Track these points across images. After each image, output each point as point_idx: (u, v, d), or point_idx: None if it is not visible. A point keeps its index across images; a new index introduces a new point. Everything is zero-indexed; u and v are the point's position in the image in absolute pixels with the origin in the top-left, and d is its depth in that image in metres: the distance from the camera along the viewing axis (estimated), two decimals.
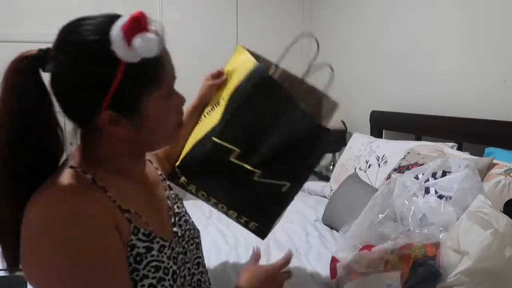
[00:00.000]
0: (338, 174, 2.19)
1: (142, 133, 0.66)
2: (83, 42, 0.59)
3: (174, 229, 0.77)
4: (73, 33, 0.60)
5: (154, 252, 0.65)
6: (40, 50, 0.61)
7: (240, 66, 0.96)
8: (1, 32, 2.52)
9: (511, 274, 0.85)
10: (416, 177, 1.22)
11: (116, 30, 0.57)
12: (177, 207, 0.82)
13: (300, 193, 2.16)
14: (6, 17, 2.53)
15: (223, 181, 0.93)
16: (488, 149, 1.56)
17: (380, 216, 1.08)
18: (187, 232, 0.80)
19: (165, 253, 0.67)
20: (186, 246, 0.78)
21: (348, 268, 1.05)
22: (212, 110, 0.96)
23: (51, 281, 0.56)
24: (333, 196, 1.86)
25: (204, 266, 0.85)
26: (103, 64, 0.58)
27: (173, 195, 0.84)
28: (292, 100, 0.92)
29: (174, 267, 0.68)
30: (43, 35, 2.57)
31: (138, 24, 0.58)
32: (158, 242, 0.66)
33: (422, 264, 0.90)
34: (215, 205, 1.00)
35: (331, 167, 2.74)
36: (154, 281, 0.63)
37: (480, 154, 1.56)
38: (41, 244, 0.55)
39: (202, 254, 0.86)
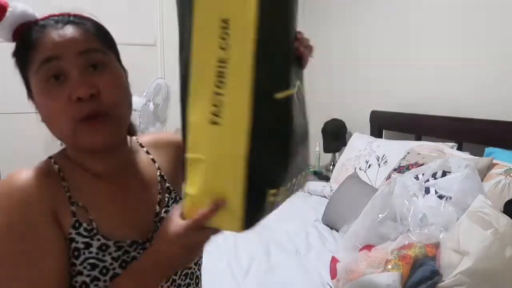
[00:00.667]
0: (338, 174, 2.19)
1: (44, 121, 0.65)
2: None
3: (150, 234, 0.72)
4: None
5: (93, 249, 0.63)
6: None
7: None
8: None
9: (511, 274, 0.85)
10: (416, 177, 1.22)
11: None
12: (166, 211, 0.75)
13: (300, 193, 2.16)
14: None
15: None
16: (488, 149, 1.56)
17: (380, 216, 1.08)
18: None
19: (109, 253, 0.64)
20: None
21: (348, 268, 1.05)
22: None
23: None
24: (333, 196, 1.86)
25: (195, 278, 0.79)
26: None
27: (166, 199, 0.76)
28: None
29: (118, 270, 0.65)
30: None
31: None
32: (99, 240, 0.64)
33: (422, 264, 0.90)
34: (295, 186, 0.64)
35: (331, 167, 2.74)
36: (87, 279, 0.62)
37: (480, 154, 1.56)
38: None
39: (195, 266, 0.79)
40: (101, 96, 0.61)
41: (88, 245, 0.63)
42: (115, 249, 0.65)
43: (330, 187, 2.17)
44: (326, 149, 2.77)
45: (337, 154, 2.78)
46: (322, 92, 3.19)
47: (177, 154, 0.82)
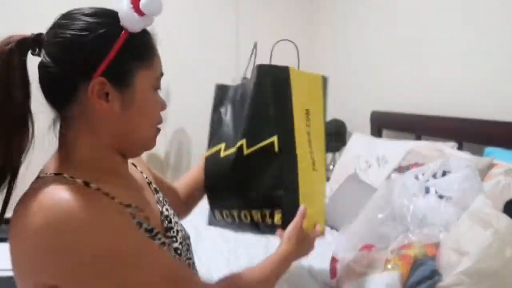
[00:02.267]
0: (338, 174, 2.19)
1: (128, 118, 0.64)
2: (86, 14, 0.62)
3: (167, 233, 0.75)
4: (78, 8, 0.65)
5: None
6: (32, 34, 0.63)
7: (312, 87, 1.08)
8: (1, 32, 2.52)
9: (511, 275, 0.85)
10: (416, 177, 1.22)
11: (124, 0, 0.63)
12: (166, 209, 0.80)
13: None
14: (6, 17, 2.53)
15: (230, 183, 0.97)
16: (488, 149, 1.56)
17: (380, 216, 1.08)
18: (180, 233, 0.79)
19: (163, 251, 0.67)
20: (179, 247, 0.76)
21: (348, 268, 1.05)
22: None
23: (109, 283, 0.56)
24: (333, 196, 1.86)
25: (195, 267, 0.84)
26: (107, 29, 0.61)
27: (160, 198, 0.82)
28: None
29: (176, 244, 0.69)
30: None
31: None
32: (160, 239, 0.66)
33: (422, 264, 0.90)
34: (240, 222, 1.00)
35: (331, 167, 2.74)
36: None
37: (480, 154, 1.56)
38: (72, 256, 0.53)
39: (193, 256, 0.84)
40: None
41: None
42: (166, 246, 0.69)
43: (330, 187, 2.16)
44: (326, 149, 2.76)
45: (337, 154, 2.78)
46: None
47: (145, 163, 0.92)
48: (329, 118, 2.77)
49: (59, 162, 0.64)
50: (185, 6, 2.91)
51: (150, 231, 0.65)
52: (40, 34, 0.62)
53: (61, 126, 0.65)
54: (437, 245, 0.94)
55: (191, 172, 1.11)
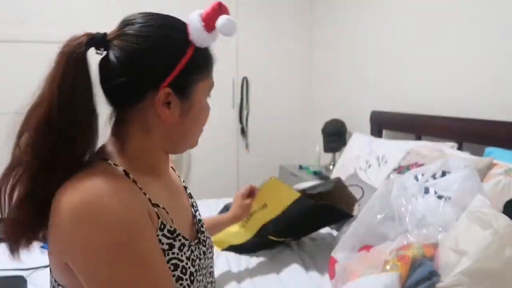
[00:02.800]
0: (338, 174, 2.18)
1: (183, 123, 0.67)
2: (158, 25, 0.65)
3: (199, 235, 0.77)
4: (146, 15, 0.66)
5: (175, 250, 0.65)
6: (98, 33, 0.65)
7: (283, 196, 1.41)
8: (1, 32, 2.52)
9: (511, 275, 0.85)
10: (416, 178, 1.22)
11: (194, 16, 0.66)
12: (198, 214, 0.84)
13: None
14: (7, 17, 2.53)
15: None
16: (488, 149, 1.55)
17: (379, 216, 1.08)
18: (208, 240, 0.80)
19: (185, 253, 0.67)
20: (206, 252, 0.77)
21: (347, 269, 1.05)
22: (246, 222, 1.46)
23: (102, 267, 0.55)
24: None
25: (213, 276, 0.85)
26: (176, 42, 0.65)
27: (194, 203, 0.85)
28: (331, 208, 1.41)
29: (192, 269, 0.67)
30: (44, 35, 2.60)
31: (219, 9, 0.67)
32: (180, 240, 0.66)
33: (420, 265, 0.90)
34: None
35: (331, 167, 2.74)
36: (173, 279, 0.63)
37: (480, 154, 1.56)
38: (84, 226, 0.54)
39: (213, 264, 0.86)
40: None
41: (171, 246, 0.65)
42: (187, 248, 0.68)
43: None
44: (326, 149, 2.77)
45: (337, 154, 2.78)
46: (322, 92, 3.20)
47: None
48: (329, 118, 2.78)
49: (107, 150, 0.67)
50: (185, 6, 2.91)
51: (172, 232, 0.65)
52: (106, 34, 0.64)
53: (115, 121, 0.68)
54: (435, 246, 0.94)
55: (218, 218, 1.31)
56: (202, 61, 0.68)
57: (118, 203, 0.56)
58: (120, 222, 0.55)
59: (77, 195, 0.56)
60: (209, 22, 0.65)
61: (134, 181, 0.63)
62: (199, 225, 0.80)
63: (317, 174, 2.73)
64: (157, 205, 0.65)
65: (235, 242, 1.45)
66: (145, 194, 0.63)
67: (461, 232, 0.91)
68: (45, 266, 1.29)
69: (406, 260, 0.91)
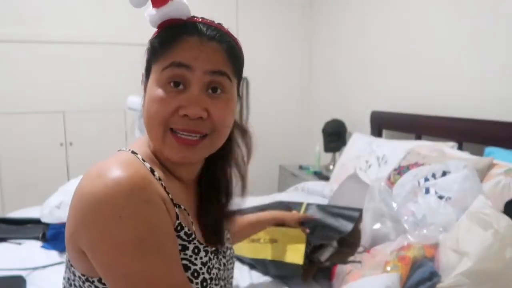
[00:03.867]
0: (338, 174, 2.18)
1: (144, 111, 0.64)
2: None
3: (220, 246, 0.75)
4: None
5: (188, 252, 0.63)
6: None
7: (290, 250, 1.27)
8: (1, 32, 2.52)
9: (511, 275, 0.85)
10: (416, 178, 1.22)
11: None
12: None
13: (300, 193, 2.15)
14: (6, 17, 2.53)
15: None
16: (488, 149, 1.55)
17: (379, 216, 1.08)
18: (229, 251, 0.78)
19: (200, 257, 0.65)
20: (226, 264, 0.75)
21: (347, 269, 1.05)
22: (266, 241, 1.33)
23: (114, 251, 0.53)
24: (333, 196, 1.86)
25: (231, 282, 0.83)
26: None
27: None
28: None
29: (206, 275, 0.65)
30: (43, 35, 2.60)
31: None
32: (194, 244, 0.64)
33: (420, 266, 0.90)
34: None
35: (331, 167, 2.74)
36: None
37: (480, 154, 1.56)
38: (104, 216, 0.53)
39: (233, 276, 0.84)
40: (207, 119, 0.63)
41: (184, 248, 0.63)
42: (204, 254, 0.65)
43: (330, 187, 2.16)
44: (326, 149, 2.77)
45: (337, 154, 2.78)
46: (322, 92, 3.19)
47: None
48: (329, 118, 2.77)
49: (139, 144, 0.67)
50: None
51: (189, 235, 0.63)
52: None
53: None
54: (435, 246, 0.94)
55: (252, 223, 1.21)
56: (159, 41, 0.64)
57: (139, 199, 0.54)
58: (142, 220, 0.54)
59: (101, 185, 0.53)
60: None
61: (160, 179, 0.61)
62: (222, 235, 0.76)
63: (317, 174, 2.73)
64: (179, 206, 0.63)
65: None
66: (168, 193, 0.61)
67: (462, 232, 0.91)
68: (45, 266, 1.28)
69: (406, 261, 0.91)
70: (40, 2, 2.58)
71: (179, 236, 0.62)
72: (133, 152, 0.63)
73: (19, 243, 1.46)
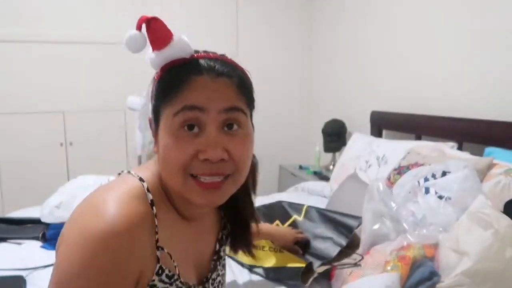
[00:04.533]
0: (338, 174, 2.18)
1: (158, 158, 0.61)
2: None
3: (210, 274, 0.74)
4: None
5: None
6: None
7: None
8: (1, 32, 2.52)
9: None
10: (416, 178, 1.22)
11: None
12: (223, 250, 0.79)
13: (300, 193, 2.14)
14: (6, 17, 2.53)
15: None
16: (488, 149, 1.55)
17: (379, 216, 1.08)
18: (219, 278, 0.77)
19: None
20: None
21: (347, 269, 1.05)
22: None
23: (62, 275, 0.53)
24: (333, 196, 1.86)
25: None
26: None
27: (224, 237, 0.80)
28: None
29: None
30: (43, 35, 2.60)
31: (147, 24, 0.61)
32: (177, 285, 0.63)
33: (420, 265, 0.90)
34: None
35: (331, 167, 2.74)
36: None
37: (480, 154, 1.56)
38: (72, 243, 0.53)
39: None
40: (229, 159, 0.60)
41: None
42: None
43: (330, 187, 2.17)
44: (326, 149, 2.77)
45: (337, 154, 2.78)
46: (322, 92, 3.19)
47: None
48: (329, 118, 2.78)
49: (149, 168, 0.65)
50: (185, 5, 2.91)
51: (170, 277, 0.62)
52: None
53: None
54: (435, 246, 0.94)
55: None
56: (165, 85, 0.60)
57: (119, 242, 0.52)
58: (100, 270, 0.51)
59: (91, 216, 0.54)
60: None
61: (156, 215, 0.59)
62: (217, 263, 0.76)
63: (317, 174, 2.73)
64: (162, 248, 0.61)
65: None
66: (157, 233, 0.59)
67: (462, 232, 0.91)
68: (45, 266, 1.28)
69: (406, 261, 0.91)
70: (40, 2, 2.58)
71: (160, 280, 0.61)
72: (140, 179, 0.61)
73: (19, 243, 1.46)
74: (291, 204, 1.56)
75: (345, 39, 2.81)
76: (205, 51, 0.63)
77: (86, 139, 2.77)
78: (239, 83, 0.62)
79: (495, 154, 1.48)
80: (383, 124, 2.36)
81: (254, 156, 0.76)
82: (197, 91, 0.58)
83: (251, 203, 0.80)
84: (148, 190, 0.60)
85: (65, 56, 2.65)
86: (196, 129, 0.58)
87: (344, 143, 2.63)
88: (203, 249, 0.75)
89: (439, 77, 1.97)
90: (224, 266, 0.81)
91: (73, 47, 2.66)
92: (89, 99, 2.76)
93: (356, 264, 1.03)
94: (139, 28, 0.60)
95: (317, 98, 3.27)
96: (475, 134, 1.70)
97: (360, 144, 2.18)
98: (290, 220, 1.48)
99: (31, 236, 1.50)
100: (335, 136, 2.68)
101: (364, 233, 1.08)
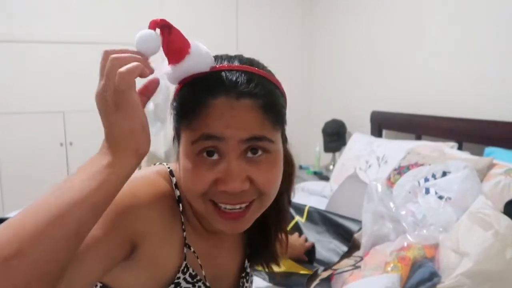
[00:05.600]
0: (338, 174, 2.18)
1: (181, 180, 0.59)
2: None
3: None
4: None
5: None
6: None
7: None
8: (1, 32, 2.52)
9: None
10: (416, 178, 1.22)
11: None
12: (246, 281, 0.75)
13: (300, 193, 2.15)
14: (6, 17, 2.53)
15: None
16: (488, 149, 1.55)
17: (379, 217, 1.08)
18: (246, 284, 0.75)
19: None
20: None
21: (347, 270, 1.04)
22: None
23: None
24: (333, 196, 1.86)
25: None
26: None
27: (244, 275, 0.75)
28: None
29: None
30: (43, 35, 2.60)
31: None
32: (199, 286, 0.63)
33: (421, 266, 0.89)
34: None
35: (331, 167, 2.74)
36: None
37: (480, 154, 1.56)
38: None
39: None
40: (251, 186, 0.55)
41: None
42: None
43: (330, 187, 2.16)
44: (326, 149, 2.76)
45: (337, 154, 2.78)
46: (322, 92, 3.19)
47: None
48: (329, 118, 2.77)
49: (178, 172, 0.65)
50: (185, 4, 2.91)
51: (193, 276, 0.62)
52: None
53: None
54: (436, 246, 0.94)
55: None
56: (181, 107, 0.56)
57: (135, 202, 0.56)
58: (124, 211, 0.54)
59: (125, 192, 0.52)
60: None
61: (182, 212, 0.61)
62: (245, 280, 0.74)
63: (317, 174, 2.73)
64: (189, 246, 0.60)
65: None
66: (184, 230, 0.60)
67: (462, 233, 0.91)
68: None
69: (406, 261, 0.91)
70: (40, 2, 2.58)
71: (184, 279, 0.61)
72: (170, 173, 0.63)
73: None
74: (292, 204, 1.56)
75: (345, 39, 2.80)
76: (227, 57, 0.57)
77: (86, 139, 2.77)
78: (265, 104, 0.53)
79: (495, 154, 1.48)
80: (383, 124, 2.36)
81: (291, 160, 0.72)
82: (214, 119, 0.52)
83: (285, 219, 0.75)
84: (176, 186, 0.62)
85: (65, 56, 2.65)
86: (216, 156, 0.54)
87: (344, 143, 2.63)
88: (228, 264, 0.72)
89: (439, 77, 1.97)
90: (252, 282, 0.78)
91: (73, 47, 2.66)
92: (89, 99, 2.71)
93: (355, 267, 1.02)
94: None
95: (317, 98, 3.27)
96: (475, 134, 1.70)
97: (360, 144, 2.18)
98: (293, 222, 1.47)
99: None
100: (335, 136, 2.68)
101: (365, 235, 1.08)
